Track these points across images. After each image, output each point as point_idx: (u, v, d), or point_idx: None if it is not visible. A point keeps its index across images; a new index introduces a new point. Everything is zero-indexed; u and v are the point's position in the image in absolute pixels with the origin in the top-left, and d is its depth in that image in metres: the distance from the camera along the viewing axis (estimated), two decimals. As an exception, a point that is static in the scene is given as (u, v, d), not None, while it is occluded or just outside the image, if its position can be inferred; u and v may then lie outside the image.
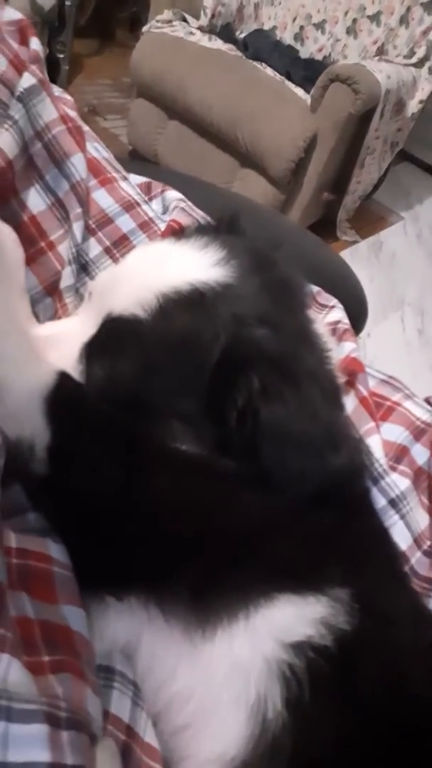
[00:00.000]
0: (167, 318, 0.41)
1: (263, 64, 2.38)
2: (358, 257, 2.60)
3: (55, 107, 0.57)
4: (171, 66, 2.31)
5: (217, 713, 0.38)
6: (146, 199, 0.67)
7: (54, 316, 0.54)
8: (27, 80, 0.54)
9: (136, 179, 0.71)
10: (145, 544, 0.39)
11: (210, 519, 0.40)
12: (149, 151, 2.59)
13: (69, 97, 0.64)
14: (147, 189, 0.72)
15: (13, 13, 0.58)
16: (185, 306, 0.41)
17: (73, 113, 0.60)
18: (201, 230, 0.52)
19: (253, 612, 0.38)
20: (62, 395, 0.41)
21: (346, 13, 2.42)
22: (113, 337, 0.42)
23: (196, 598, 0.39)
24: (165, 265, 0.44)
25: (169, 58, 2.33)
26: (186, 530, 0.39)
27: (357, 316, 0.82)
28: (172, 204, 0.70)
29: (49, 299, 0.55)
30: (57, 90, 0.61)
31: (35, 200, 0.56)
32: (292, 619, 0.38)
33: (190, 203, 0.71)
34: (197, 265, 0.44)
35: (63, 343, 0.45)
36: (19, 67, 0.54)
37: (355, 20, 2.41)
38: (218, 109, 2.23)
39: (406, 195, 3.08)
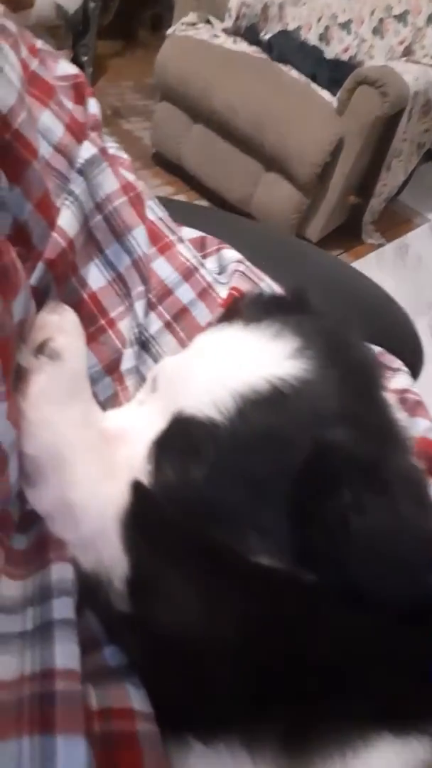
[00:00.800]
0: (245, 421, 0.37)
1: (288, 65, 2.35)
2: (384, 261, 2.57)
3: (116, 176, 0.55)
4: (196, 69, 2.30)
5: None
6: (201, 259, 0.64)
7: (113, 397, 0.52)
8: (87, 150, 0.51)
9: (189, 233, 0.68)
10: (230, 678, 0.35)
11: (298, 646, 0.36)
12: (173, 155, 2.59)
13: (125, 156, 0.61)
14: (201, 245, 0.69)
15: (67, 67, 0.56)
16: (264, 408, 0.38)
17: (131, 177, 0.58)
18: (266, 304, 0.49)
19: (350, 756, 0.33)
20: (140, 516, 0.38)
21: (372, 13, 2.38)
22: (185, 438, 0.39)
23: (287, 738, 0.34)
24: (238, 357, 0.41)
25: (194, 61, 2.32)
26: (273, 660, 0.35)
27: (414, 367, 0.77)
28: (230, 266, 0.66)
29: (108, 378, 0.52)
30: (112, 147, 0.59)
31: (95, 276, 0.54)
32: (393, 765, 0.33)
33: (248, 264, 0.68)
34: (272, 357, 0.40)
35: (129, 439, 0.42)
36: (77, 133, 0.51)
37: (381, 20, 2.37)
38: (243, 113, 2.21)
39: (432, 195, 3.03)
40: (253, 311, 0.48)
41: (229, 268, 0.66)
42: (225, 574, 0.37)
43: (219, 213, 1.28)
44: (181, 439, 0.40)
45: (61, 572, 0.37)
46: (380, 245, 2.64)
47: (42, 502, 0.39)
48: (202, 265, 0.63)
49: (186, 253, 0.61)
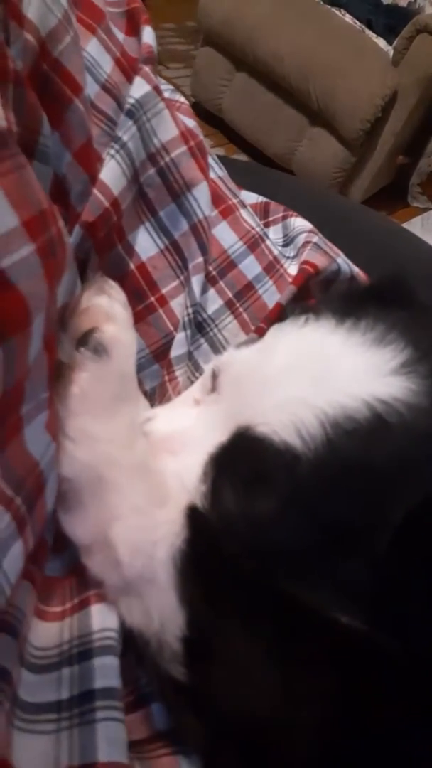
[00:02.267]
0: (333, 454, 0.29)
1: (342, 10, 2.20)
2: (430, 225, 2.44)
3: (174, 120, 0.45)
4: (242, 12, 2.16)
5: None
6: (264, 228, 0.55)
7: (160, 387, 0.45)
8: (139, 88, 0.42)
9: (250, 198, 0.59)
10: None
11: (389, 732, 0.29)
12: (213, 105, 2.47)
13: (182, 99, 0.52)
14: (263, 212, 0.60)
15: None
16: (359, 439, 0.29)
17: (191, 123, 0.48)
18: (356, 293, 0.40)
19: None
20: (198, 556, 0.31)
21: None
22: (252, 462, 0.32)
23: None
24: (328, 368, 0.32)
25: (240, 3, 2.18)
26: (358, 746, 0.29)
27: None
28: (300, 237, 0.56)
29: (156, 366, 0.45)
30: (167, 89, 0.50)
31: (145, 243, 0.45)
32: None
33: (320, 235, 0.58)
34: (373, 371, 0.31)
35: (181, 447, 0.36)
36: (127, 69, 0.42)
37: (446, -38, 2.19)
38: (290, 62, 2.08)
39: None
40: (340, 302, 0.39)
41: (299, 239, 0.57)
42: (302, 636, 0.30)
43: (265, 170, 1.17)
44: (246, 461, 0.32)
45: (103, 619, 0.31)
46: (426, 209, 2.52)
47: (77, 531, 0.33)
48: (266, 235, 0.54)
49: (249, 219, 0.53)
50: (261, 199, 0.61)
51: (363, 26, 2.17)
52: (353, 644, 0.29)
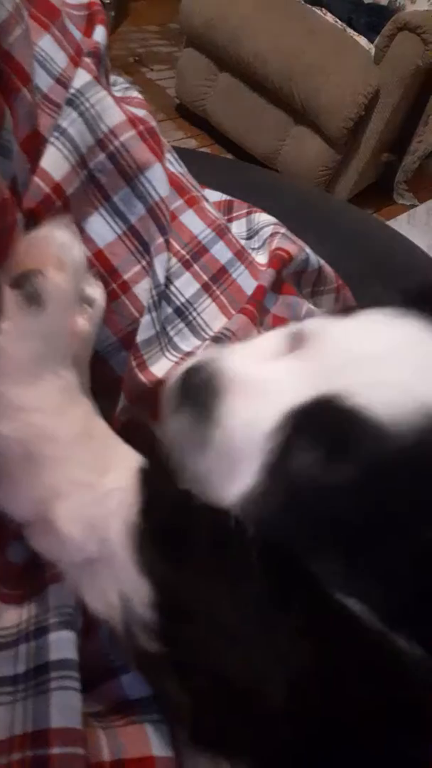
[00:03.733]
0: (424, 445, 0.29)
1: (323, 9, 2.21)
2: (416, 222, 2.46)
3: (118, 107, 0.44)
4: (224, 13, 2.17)
5: None
6: (227, 223, 0.56)
7: (128, 374, 0.44)
8: (80, 78, 0.42)
9: (213, 196, 0.60)
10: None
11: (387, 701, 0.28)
12: (197, 106, 2.47)
13: (137, 95, 0.52)
14: (227, 209, 0.61)
15: None
16: None
17: (142, 112, 0.47)
18: (409, 294, 0.40)
19: None
20: (156, 524, 0.29)
21: None
22: (338, 431, 0.31)
23: None
24: (430, 361, 0.32)
25: (222, 4, 2.19)
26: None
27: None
28: (268, 229, 0.58)
29: (124, 353, 0.44)
30: (121, 87, 0.51)
31: (101, 230, 0.44)
32: None
33: (286, 228, 0.59)
34: None
35: (258, 395, 0.34)
36: (78, 63, 0.42)
37: (425, -41, 2.20)
38: (273, 62, 2.09)
39: (468, 154, 2.88)
40: (417, 301, 0.38)
41: (265, 231, 0.58)
42: (294, 606, 0.28)
43: (238, 165, 1.18)
44: (330, 427, 0.31)
45: (60, 596, 0.31)
46: (412, 206, 2.53)
47: (11, 508, 0.29)
48: (229, 229, 0.55)
49: (214, 212, 0.54)
50: (224, 197, 0.62)
51: (344, 25, 2.18)
52: (358, 633, 0.28)
